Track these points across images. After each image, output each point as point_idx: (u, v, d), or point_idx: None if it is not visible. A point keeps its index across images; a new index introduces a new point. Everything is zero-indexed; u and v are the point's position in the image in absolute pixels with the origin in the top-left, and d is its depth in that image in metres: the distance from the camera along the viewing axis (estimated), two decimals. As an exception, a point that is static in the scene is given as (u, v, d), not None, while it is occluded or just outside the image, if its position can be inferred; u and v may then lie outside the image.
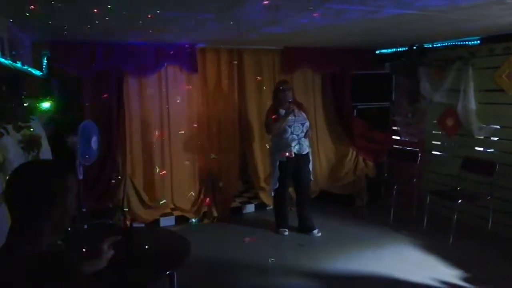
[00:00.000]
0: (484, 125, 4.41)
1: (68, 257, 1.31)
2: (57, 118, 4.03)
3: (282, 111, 4.26)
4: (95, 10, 2.75)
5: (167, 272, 2.47)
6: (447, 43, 4.71)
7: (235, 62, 4.90)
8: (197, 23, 3.34)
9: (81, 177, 3.61)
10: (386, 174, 5.24)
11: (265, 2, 2.62)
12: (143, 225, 4.57)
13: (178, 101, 4.73)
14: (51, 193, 1.29)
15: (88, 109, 4.35)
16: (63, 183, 1.32)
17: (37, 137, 2.83)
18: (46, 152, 3.01)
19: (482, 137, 4.49)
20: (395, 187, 4.72)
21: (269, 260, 3.78)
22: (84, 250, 1.86)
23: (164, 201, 4.71)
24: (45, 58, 4.20)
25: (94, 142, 3.54)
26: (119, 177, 4.52)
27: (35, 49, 3.99)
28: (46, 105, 3.63)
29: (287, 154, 4.25)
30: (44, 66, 4.20)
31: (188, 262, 2.53)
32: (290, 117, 4.20)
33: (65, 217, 1.35)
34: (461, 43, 4.57)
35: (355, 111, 5.46)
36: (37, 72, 3.84)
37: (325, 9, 2.87)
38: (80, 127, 3.40)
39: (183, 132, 4.80)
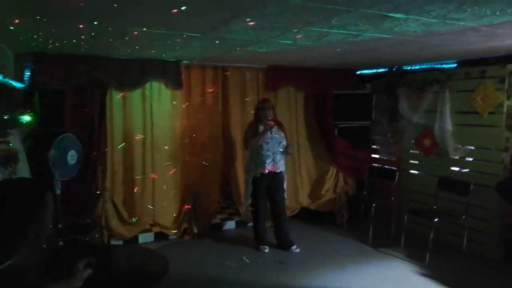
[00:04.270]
0: (460, 146, 4.55)
1: (28, 276, 1.29)
2: (38, 131, 3.97)
3: (262, 128, 4.33)
4: (81, 26, 2.76)
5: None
6: (425, 65, 4.87)
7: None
8: (183, 41, 3.38)
9: (58, 191, 3.55)
10: (365, 192, 5.32)
11: (250, 23, 2.69)
12: (121, 242, 4.49)
13: (162, 116, 4.72)
14: (28, 212, 1.28)
15: (70, 122, 4.30)
16: (41, 202, 1.32)
17: (15, 152, 2.79)
18: (23, 167, 2.95)
19: (457, 158, 4.62)
20: (374, 205, 4.79)
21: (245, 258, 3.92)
22: (59, 269, 1.83)
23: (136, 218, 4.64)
24: (28, 70, 4.14)
25: (71, 157, 3.47)
26: (98, 192, 4.44)
27: (18, 61, 3.94)
28: (26, 118, 3.57)
29: (260, 171, 4.33)
30: (26, 79, 4.14)
31: (166, 281, 2.50)
32: (267, 135, 4.29)
33: (40, 235, 1.34)
34: (439, 66, 4.73)
35: (336, 129, 5.55)
36: (19, 85, 3.79)
37: (308, 31, 2.96)
38: (56, 141, 3.33)
39: (166, 147, 4.78)
